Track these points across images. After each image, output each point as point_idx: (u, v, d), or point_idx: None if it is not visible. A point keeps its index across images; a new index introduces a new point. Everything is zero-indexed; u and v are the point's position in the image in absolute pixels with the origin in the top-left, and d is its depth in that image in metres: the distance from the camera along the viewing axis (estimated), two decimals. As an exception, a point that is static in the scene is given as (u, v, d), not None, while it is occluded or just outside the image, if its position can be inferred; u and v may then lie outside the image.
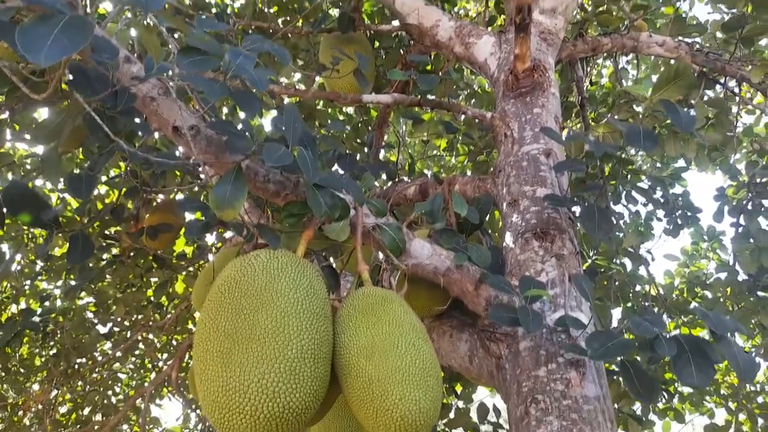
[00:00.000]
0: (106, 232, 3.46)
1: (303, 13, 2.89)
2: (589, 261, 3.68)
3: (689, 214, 4.81)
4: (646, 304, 4.27)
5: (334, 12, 3.62)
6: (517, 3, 2.26)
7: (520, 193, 2.20)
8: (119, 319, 4.27)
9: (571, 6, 2.72)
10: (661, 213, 4.93)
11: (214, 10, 3.41)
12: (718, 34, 3.55)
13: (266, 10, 3.63)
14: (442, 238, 1.95)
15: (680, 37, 3.17)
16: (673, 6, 3.54)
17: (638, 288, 4.54)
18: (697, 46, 3.11)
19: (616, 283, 3.85)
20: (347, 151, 2.48)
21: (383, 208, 1.78)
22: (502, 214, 2.29)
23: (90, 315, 4.42)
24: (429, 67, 3.50)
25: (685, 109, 1.53)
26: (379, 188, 3.04)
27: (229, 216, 1.32)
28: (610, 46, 3.03)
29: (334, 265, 1.94)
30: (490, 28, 3.85)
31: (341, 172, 2.53)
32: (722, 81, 3.21)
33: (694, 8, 5.33)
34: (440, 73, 2.65)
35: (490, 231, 2.73)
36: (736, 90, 3.24)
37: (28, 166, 3.82)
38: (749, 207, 4.16)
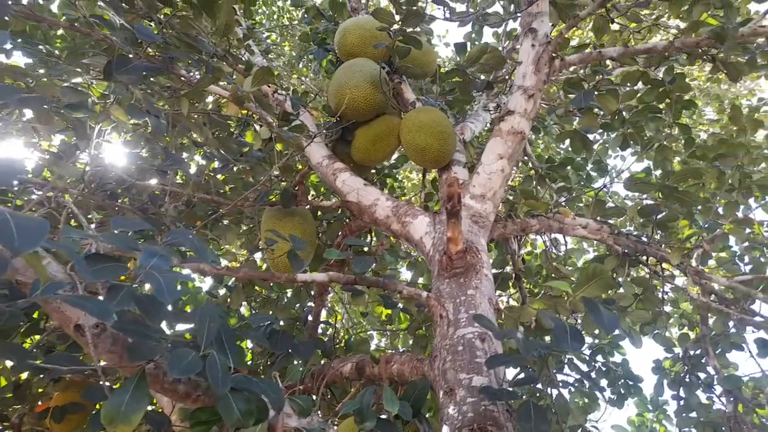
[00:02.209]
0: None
1: (251, 189, 2.93)
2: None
3: (631, 383, 4.81)
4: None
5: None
6: (447, 192, 2.37)
7: (456, 382, 2.10)
8: None
9: (499, 192, 2.88)
10: (604, 382, 4.90)
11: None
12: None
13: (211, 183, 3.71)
14: (373, 436, 1.79)
15: (602, 219, 3.38)
16: (594, 190, 3.82)
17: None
18: (618, 229, 3.32)
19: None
20: (280, 327, 2.36)
21: (308, 407, 1.64)
22: (438, 403, 2.17)
23: None
24: (365, 249, 3.55)
25: (606, 308, 1.53)
26: (314, 366, 2.88)
27: (123, 433, 1.16)
28: (538, 227, 3.18)
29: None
30: (431, 203, 4.06)
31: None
32: (645, 261, 3.37)
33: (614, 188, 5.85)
34: (375, 254, 2.68)
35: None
36: (659, 269, 3.39)
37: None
38: (687, 380, 4.19)
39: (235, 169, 3.73)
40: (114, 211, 3.20)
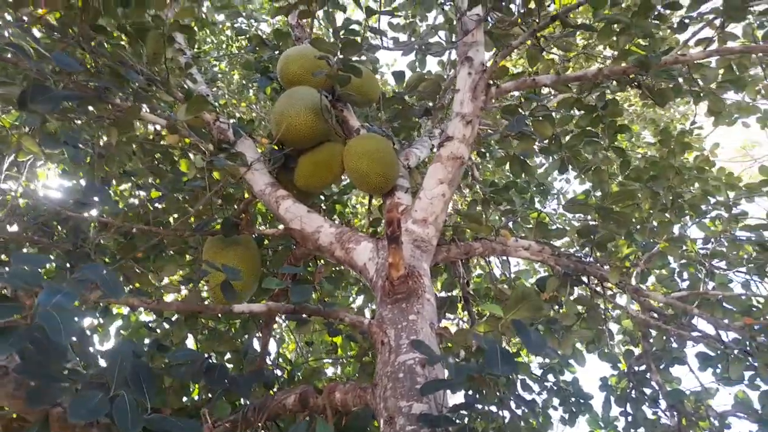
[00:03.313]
0: None
1: (185, 217, 2.85)
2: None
3: (582, 401, 4.85)
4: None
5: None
6: (387, 218, 2.36)
7: (396, 409, 2.06)
8: None
9: (440, 216, 2.89)
10: (556, 401, 4.93)
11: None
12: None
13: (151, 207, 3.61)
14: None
15: (543, 240, 3.44)
16: (536, 212, 3.90)
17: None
18: (559, 250, 3.38)
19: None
20: (214, 362, 2.27)
21: (235, 445, 1.56)
22: (380, 431, 2.12)
23: None
24: (305, 277, 3.51)
25: (533, 330, 1.54)
26: (256, 399, 2.78)
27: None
28: (482, 249, 3.21)
29: None
30: (379, 228, 4.05)
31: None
32: (586, 280, 3.43)
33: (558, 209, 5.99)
34: (314, 283, 2.64)
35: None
36: (600, 289, 3.46)
37: None
38: (633, 395, 4.26)
39: (179, 198, 3.65)
40: (49, 245, 3.06)
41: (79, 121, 2.75)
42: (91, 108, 2.75)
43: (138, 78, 2.27)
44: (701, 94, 3.48)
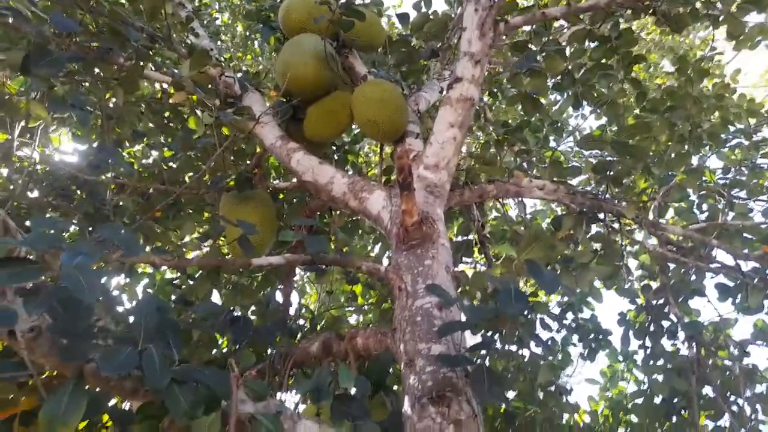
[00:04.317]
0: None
1: (197, 175, 2.88)
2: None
3: (601, 337, 4.93)
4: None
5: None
6: (398, 165, 2.36)
7: (416, 352, 2.12)
8: None
9: (452, 160, 2.87)
10: (575, 338, 5.02)
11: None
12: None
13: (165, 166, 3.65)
14: (333, 413, 1.81)
15: (559, 179, 3.42)
16: (551, 150, 3.85)
17: (565, 418, 4.44)
18: (574, 188, 3.36)
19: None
20: (238, 314, 2.35)
21: (263, 391, 1.64)
22: (401, 374, 2.19)
23: None
24: (322, 227, 3.55)
25: (546, 269, 1.56)
26: (281, 348, 2.88)
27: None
28: (496, 192, 3.20)
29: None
30: (392, 176, 4.05)
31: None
32: (602, 217, 3.43)
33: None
34: (330, 233, 2.67)
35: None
36: (616, 225, 3.45)
37: None
38: (651, 329, 4.31)
39: (191, 156, 3.67)
40: (70, 209, 3.12)
41: (85, 84, 2.74)
42: (96, 70, 2.75)
43: (138, 36, 2.25)
44: (720, 18, 3.33)
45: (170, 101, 3.16)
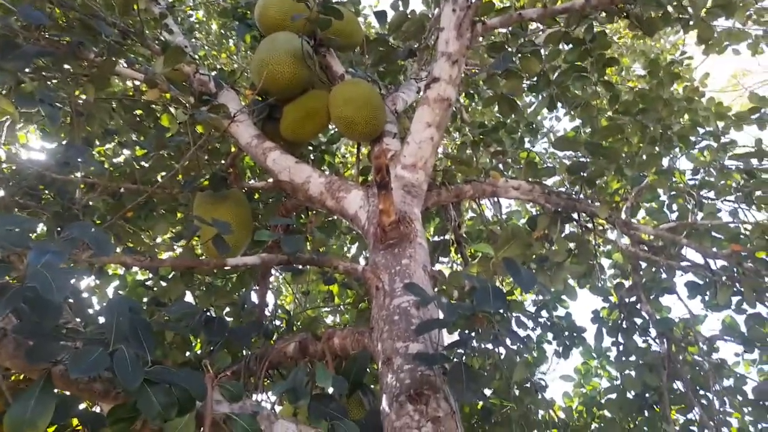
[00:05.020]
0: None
1: (170, 174, 2.83)
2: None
3: (575, 334, 5.00)
4: (548, 433, 4.19)
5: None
6: (375, 165, 2.35)
7: (393, 351, 2.12)
8: None
9: (430, 161, 2.88)
10: (550, 336, 5.09)
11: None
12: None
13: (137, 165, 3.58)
14: (311, 413, 1.79)
15: (533, 179, 3.45)
16: (526, 151, 3.89)
17: (540, 414, 4.50)
18: (549, 188, 3.39)
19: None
20: (214, 314, 2.32)
21: (238, 392, 1.61)
22: (379, 373, 2.18)
23: None
24: (301, 219, 3.53)
25: (524, 268, 1.57)
26: (257, 349, 2.85)
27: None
28: (472, 192, 3.22)
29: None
30: (369, 176, 4.04)
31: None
32: (576, 217, 3.47)
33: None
34: (306, 233, 2.65)
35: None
36: (590, 225, 3.50)
37: None
38: (624, 326, 4.39)
39: (164, 155, 3.61)
40: (38, 208, 3.04)
41: (55, 80, 2.67)
42: (66, 65, 2.68)
43: (110, 31, 2.20)
44: (690, 22, 3.42)
45: (143, 98, 3.10)
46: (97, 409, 1.90)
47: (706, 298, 3.80)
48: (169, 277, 3.35)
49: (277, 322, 3.56)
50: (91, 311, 2.37)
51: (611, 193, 3.82)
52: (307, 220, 3.50)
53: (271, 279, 5.52)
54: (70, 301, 1.78)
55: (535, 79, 3.61)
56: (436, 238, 4.27)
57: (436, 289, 3.11)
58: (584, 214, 3.45)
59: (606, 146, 3.22)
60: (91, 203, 3.24)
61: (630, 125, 3.67)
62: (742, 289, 3.34)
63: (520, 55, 3.22)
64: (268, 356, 2.68)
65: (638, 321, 4.26)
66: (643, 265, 4.03)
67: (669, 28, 4.72)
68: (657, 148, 3.74)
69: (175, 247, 3.81)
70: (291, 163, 3.09)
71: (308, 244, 3.69)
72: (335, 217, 4.13)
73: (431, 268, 2.58)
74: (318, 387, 1.87)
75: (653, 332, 4.17)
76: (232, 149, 3.86)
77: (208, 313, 2.41)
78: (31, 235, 1.22)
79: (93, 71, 2.29)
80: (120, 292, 3.69)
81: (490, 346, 3.75)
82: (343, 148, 7.48)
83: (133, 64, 2.90)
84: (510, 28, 3.38)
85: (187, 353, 2.87)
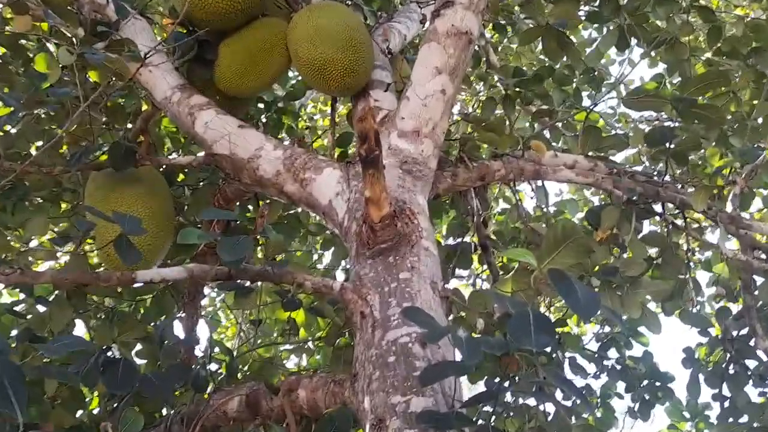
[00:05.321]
0: None
1: (53, 141, 2.83)
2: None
3: (658, 384, 5.03)
4: None
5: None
6: (359, 131, 2.35)
7: (387, 408, 2.13)
8: None
9: (440, 124, 2.89)
10: (621, 386, 5.12)
11: None
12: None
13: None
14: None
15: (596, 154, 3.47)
16: (584, 111, 3.91)
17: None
18: (620, 166, 3.42)
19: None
20: (116, 355, 2.33)
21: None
22: (365, 441, 2.20)
23: None
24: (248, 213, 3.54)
25: (585, 283, 1.58)
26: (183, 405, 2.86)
27: None
28: (504, 172, 3.23)
29: None
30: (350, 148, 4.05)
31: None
32: (659, 209, 3.50)
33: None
34: (256, 233, 2.65)
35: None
36: (680, 221, 3.53)
37: None
38: (731, 372, 4.42)
39: (40, 115, 3.60)
40: None
41: None
42: None
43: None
44: None
45: (7, 30, 3.08)
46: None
47: None
48: (50, 299, 3.35)
49: (214, 366, 3.57)
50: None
51: (711, 174, 3.84)
52: (256, 213, 3.50)
53: (204, 302, 5.54)
54: None
55: (597, 2, 3.63)
56: (450, 241, 4.28)
57: (450, 317, 3.13)
58: (671, 205, 3.47)
59: (703, 104, 3.23)
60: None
61: (738, 72, 3.69)
62: None
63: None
64: (200, 417, 2.69)
65: (752, 364, 4.30)
66: (759, 280, 4.06)
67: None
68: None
69: (58, 254, 3.80)
70: (232, 127, 3.09)
71: (259, 249, 3.69)
72: (299, 209, 4.13)
73: (443, 284, 2.59)
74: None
75: (774, 380, 4.22)
76: (144, 107, 3.85)
77: (109, 353, 2.41)
78: None
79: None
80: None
81: (531, 401, 3.78)
82: (311, 107, 7.48)
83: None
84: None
85: (79, 412, 2.87)
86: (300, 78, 4.56)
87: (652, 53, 4.34)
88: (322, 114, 7.35)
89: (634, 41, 3.92)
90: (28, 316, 3.48)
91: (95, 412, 3.28)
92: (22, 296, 3.64)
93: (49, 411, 2.59)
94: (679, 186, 3.50)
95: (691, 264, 3.82)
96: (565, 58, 3.90)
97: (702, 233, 3.76)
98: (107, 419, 2.17)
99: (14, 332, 3.35)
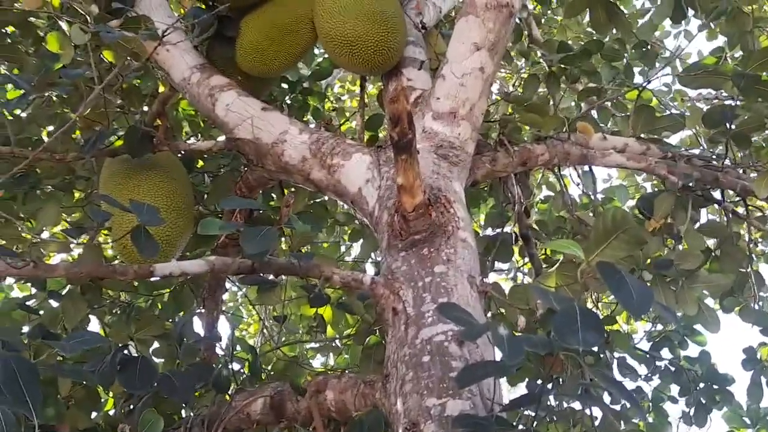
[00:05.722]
0: None
1: (66, 127, 2.87)
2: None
3: (716, 387, 4.99)
4: None
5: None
6: (390, 112, 2.36)
7: (422, 411, 2.15)
8: None
9: (478, 105, 2.88)
10: (675, 389, 5.08)
11: None
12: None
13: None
14: None
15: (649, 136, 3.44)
16: (636, 89, 3.88)
17: None
18: (675, 149, 3.38)
19: None
20: (133, 353, 2.37)
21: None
22: (398, 446, 2.22)
23: None
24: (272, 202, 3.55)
25: (637, 277, 1.57)
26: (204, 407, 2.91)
27: None
28: (548, 156, 3.22)
29: None
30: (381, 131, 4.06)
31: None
32: (718, 197, 3.47)
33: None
34: (281, 224, 2.67)
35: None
36: (741, 209, 3.49)
37: None
38: (799, 375, 4.38)
39: (52, 98, 3.64)
40: None
41: None
42: None
43: None
44: None
45: (16, 7, 3.12)
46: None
47: None
48: (63, 293, 3.40)
49: (236, 365, 3.60)
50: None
51: (775, 157, 3.79)
52: (281, 202, 3.52)
53: (225, 297, 5.59)
54: None
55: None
56: (489, 232, 4.27)
57: (489, 314, 3.14)
58: (731, 192, 3.43)
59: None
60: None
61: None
62: None
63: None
64: (221, 419, 2.73)
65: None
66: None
67: None
68: None
69: (71, 246, 3.86)
70: (255, 110, 3.11)
71: (283, 240, 3.72)
72: (326, 198, 4.15)
73: (482, 279, 2.60)
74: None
75: None
76: (161, 89, 3.88)
77: (126, 351, 2.45)
78: None
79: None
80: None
81: (577, 404, 3.77)
82: (339, 87, 7.50)
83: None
84: None
85: (94, 413, 2.92)
86: (327, 56, 4.57)
87: (711, 25, 4.28)
88: (351, 95, 7.36)
89: (691, 12, 3.87)
90: (41, 312, 3.55)
91: (111, 413, 3.34)
92: (33, 291, 3.69)
93: (63, 412, 2.63)
94: (741, 171, 3.46)
95: (753, 256, 3.77)
96: (614, 31, 3.87)
97: (765, 222, 3.71)
98: (124, 421, 2.21)
99: (26, 329, 3.41)
